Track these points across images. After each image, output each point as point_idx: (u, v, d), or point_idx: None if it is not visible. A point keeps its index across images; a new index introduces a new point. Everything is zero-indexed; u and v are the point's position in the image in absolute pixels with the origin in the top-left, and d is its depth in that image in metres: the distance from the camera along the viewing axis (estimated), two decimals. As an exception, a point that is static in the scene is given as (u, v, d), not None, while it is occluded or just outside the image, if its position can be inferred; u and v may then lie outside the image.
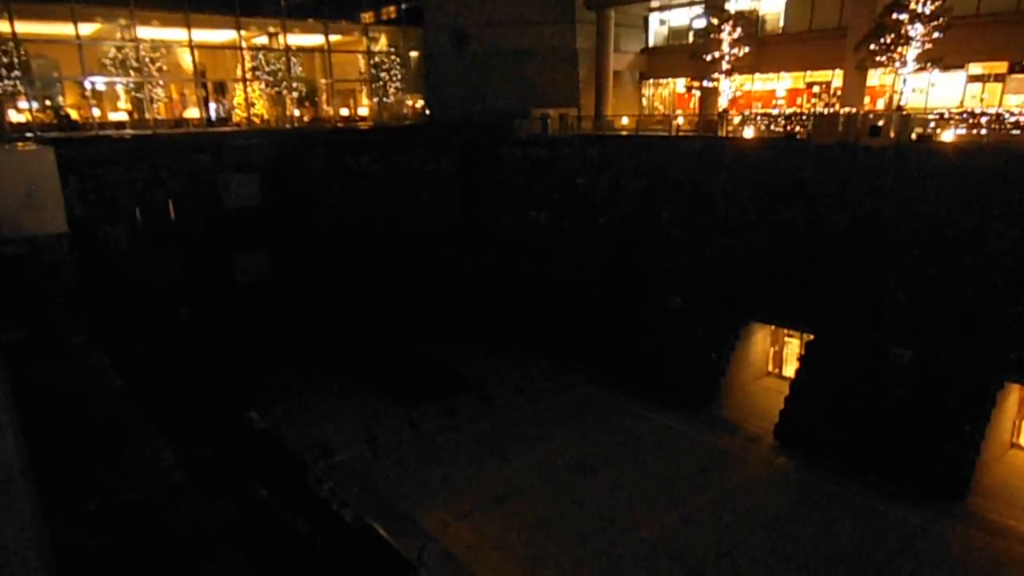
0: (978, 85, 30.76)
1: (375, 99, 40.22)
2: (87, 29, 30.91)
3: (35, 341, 6.60)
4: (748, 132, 29.86)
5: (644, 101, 45.24)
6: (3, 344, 5.86)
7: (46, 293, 8.25)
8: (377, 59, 39.95)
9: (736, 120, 31.60)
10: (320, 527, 8.40)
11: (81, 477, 4.29)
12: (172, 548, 3.68)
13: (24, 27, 28.25)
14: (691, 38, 40.63)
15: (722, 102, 34.79)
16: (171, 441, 4.99)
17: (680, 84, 43.69)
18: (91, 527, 3.77)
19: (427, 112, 42.00)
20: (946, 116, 25.27)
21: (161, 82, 33.25)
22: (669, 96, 44.89)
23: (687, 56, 36.26)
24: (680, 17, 42.66)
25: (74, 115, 31.48)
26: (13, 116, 29.41)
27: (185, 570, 3.58)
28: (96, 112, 32.07)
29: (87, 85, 31.48)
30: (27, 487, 3.24)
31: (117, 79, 32.24)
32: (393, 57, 40.57)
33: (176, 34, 32.81)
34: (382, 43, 40.78)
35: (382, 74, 40.13)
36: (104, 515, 3.89)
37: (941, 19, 25.52)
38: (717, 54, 33.44)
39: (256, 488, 7.67)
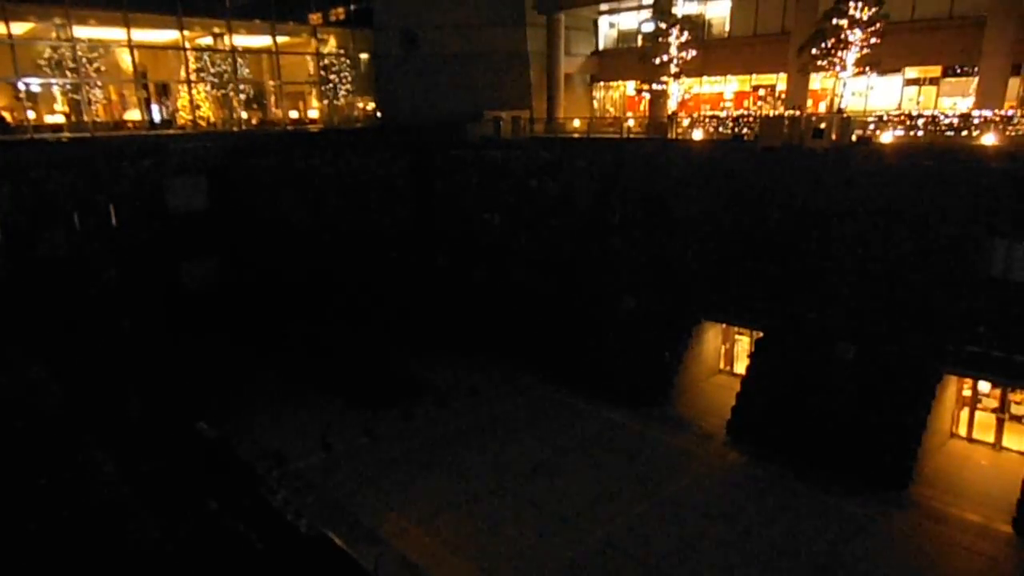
0: (914, 88, 31.91)
1: (325, 101, 39.67)
2: (19, 28, 29.74)
3: (-34, 354, 6.29)
4: (697, 134, 30.35)
5: (595, 103, 45.65)
6: (-69, 358, 5.57)
7: (-22, 303, 7.89)
8: (326, 61, 39.40)
9: (685, 122, 32.10)
10: (274, 538, 8.21)
11: (19, 494, 4.10)
12: (116, 566, 3.54)
13: (-49, 26, 27.05)
14: (640, 41, 41.13)
15: (671, 104, 35.34)
16: (115, 454, 4.80)
17: (630, 87, 44.21)
18: (32, 546, 3.60)
19: (378, 115, 41.59)
20: (885, 118, 26.12)
21: (99, 83, 32.17)
22: (620, 99, 45.38)
23: (636, 59, 36.67)
24: (629, 21, 43.18)
25: (7, 118, 30.22)
26: (-60, 119, 28.12)
27: (131, 589, 3.44)
28: (31, 114, 30.86)
29: (20, 87, 30.26)
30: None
31: (53, 80, 31.10)
32: (343, 59, 40.07)
33: (115, 34, 31.75)
34: (331, 45, 40.22)
35: (332, 76, 39.60)
36: (44, 533, 3.72)
37: (878, 24, 26.38)
38: (665, 57, 33.93)
39: (206, 501, 7.46)
